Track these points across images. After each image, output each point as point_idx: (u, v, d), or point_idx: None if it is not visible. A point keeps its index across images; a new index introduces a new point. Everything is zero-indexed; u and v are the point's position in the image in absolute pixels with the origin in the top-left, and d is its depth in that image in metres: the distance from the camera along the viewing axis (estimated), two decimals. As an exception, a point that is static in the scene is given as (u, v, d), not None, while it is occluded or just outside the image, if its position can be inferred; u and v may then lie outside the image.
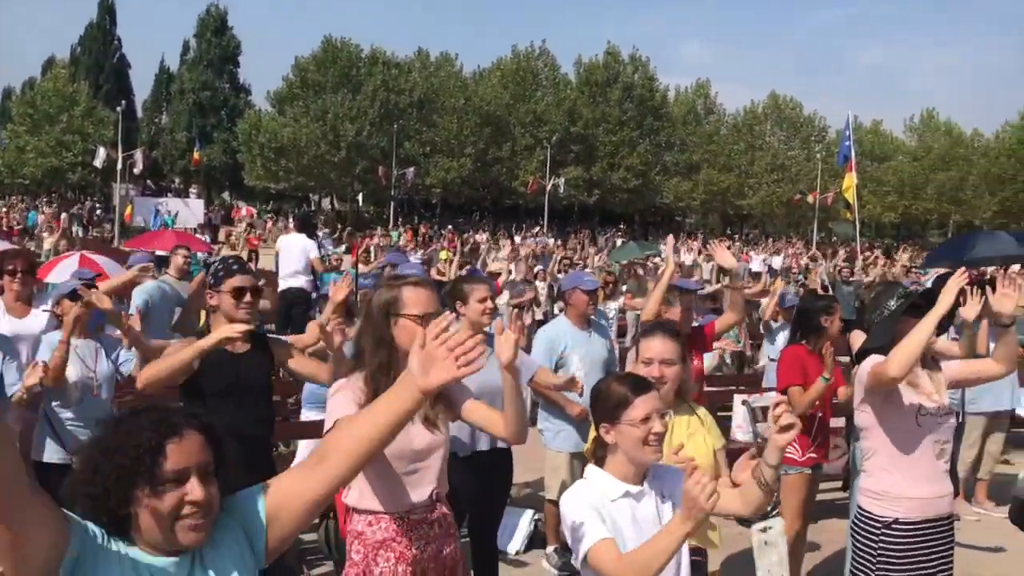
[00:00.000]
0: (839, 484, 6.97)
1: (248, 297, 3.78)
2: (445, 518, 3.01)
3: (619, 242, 38.39)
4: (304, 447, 5.76)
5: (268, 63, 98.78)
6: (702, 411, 3.44)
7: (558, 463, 5.51)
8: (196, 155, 48.93)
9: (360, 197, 52.95)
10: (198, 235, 24.59)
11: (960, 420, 6.75)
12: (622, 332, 11.72)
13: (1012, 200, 58.74)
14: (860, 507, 3.71)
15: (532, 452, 5.71)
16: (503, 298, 11.23)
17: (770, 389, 6.45)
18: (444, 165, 54.21)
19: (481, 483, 4.29)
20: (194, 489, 1.67)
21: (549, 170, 52.90)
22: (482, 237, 37.67)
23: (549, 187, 51.48)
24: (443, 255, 19.36)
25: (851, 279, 13.99)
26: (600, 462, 2.67)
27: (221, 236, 26.84)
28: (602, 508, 2.53)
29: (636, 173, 57.68)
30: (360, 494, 2.90)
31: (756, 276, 22.26)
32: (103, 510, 1.67)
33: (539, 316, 12.20)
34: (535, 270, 14.32)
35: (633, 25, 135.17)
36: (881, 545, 3.58)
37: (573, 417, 5.36)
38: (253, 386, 3.80)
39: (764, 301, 8.80)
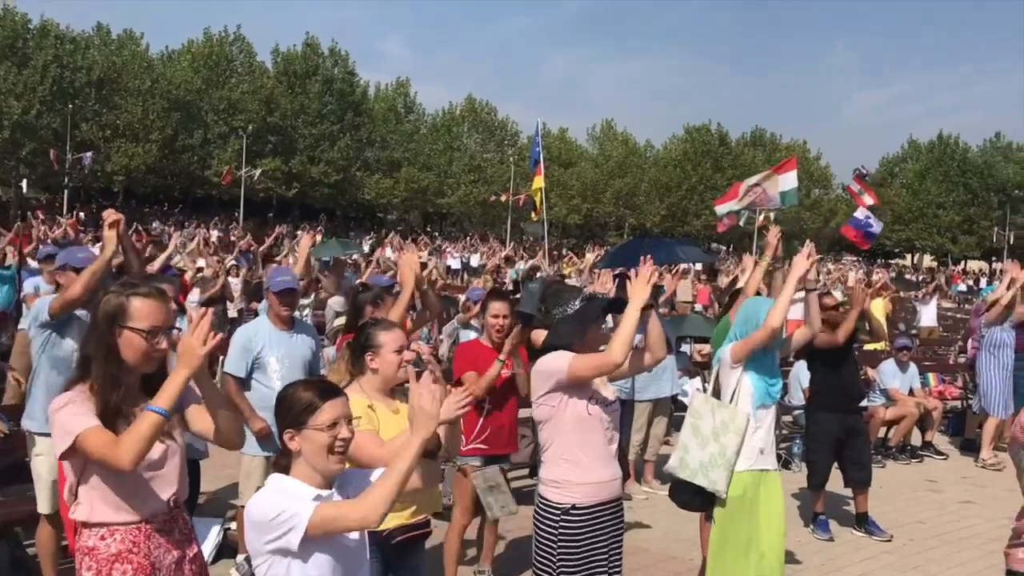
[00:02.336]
0: (526, 472, 7.35)
1: None
2: (185, 523, 2.91)
3: (319, 238, 37.79)
4: None
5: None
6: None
7: (252, 468, 5.25)
8: None
9: (24, 182, 47.54)
10: None
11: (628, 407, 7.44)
12: (320, 329, 11.52)
13: (677, 206, 66.13)
14: (540, 495, 3.92)
15: (220, 460, 5.46)
16: (193, 295, 10.64)
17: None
18: (127, 151, 50.19)
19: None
20: None
21: (245, 160, 50.84)
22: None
23: (245, 178, 49.48)
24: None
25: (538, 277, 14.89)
26: (284, 471, 2.53)
27: None
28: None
29: (337, 168, 57.06)
30: (91, 509, 2.69)
31: (454, 273, 23.02)
32: None
33: (233, 314, 11.74)
34: (229, 264, 13.76)
35: (330, 15, 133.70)
36: (561, 530, 3.80)
37: (254, 432, 5.02)
38: None
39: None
